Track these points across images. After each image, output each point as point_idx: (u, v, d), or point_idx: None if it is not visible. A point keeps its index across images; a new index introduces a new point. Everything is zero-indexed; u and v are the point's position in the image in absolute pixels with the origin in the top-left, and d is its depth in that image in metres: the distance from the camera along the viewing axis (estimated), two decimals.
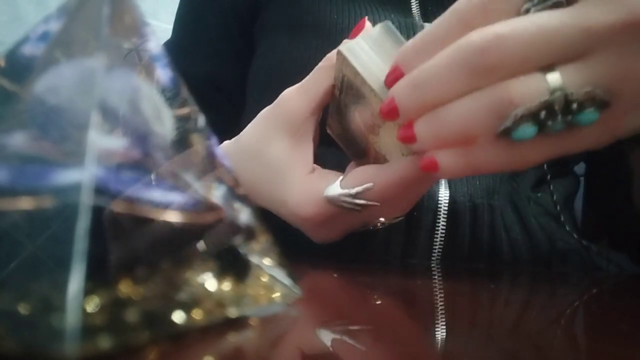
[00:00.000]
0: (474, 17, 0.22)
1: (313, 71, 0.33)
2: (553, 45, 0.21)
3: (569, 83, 0.21)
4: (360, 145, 0.33)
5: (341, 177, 0.31)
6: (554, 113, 0.21)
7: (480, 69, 0.21)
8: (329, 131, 0.35)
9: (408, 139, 0.24)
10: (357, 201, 0.30)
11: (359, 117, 0.31)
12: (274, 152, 0.33)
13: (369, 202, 0.30)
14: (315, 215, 0.32)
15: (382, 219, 0.34)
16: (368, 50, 0.28)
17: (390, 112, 0.24)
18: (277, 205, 0.34)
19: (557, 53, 0.21)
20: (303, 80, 0.33)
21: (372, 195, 0.30)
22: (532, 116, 0.21)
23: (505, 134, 0.22)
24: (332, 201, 0.30)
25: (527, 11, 0.21)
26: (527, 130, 0.21)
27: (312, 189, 0.32)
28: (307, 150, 0.33)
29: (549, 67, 0.21)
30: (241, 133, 0.36)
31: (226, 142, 0.37)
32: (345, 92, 0.31)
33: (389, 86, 0.25)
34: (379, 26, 0.28)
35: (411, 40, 0.24)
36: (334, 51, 0.31)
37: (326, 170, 0.33)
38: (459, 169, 0.24)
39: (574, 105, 0.21)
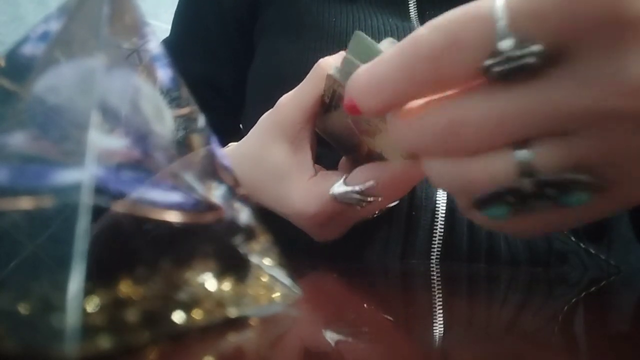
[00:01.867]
0: (427, 63, 0.18)
1: (306, 78, 0.33)
2: (521, 125, 0.17)
3: (541, 164, 0.17)
4: (350, 142, 0.34)
5: (345, 176, 0.32)
6: (523, 198, 0.18)
7: (449, 149, 0.19)
8: (316, 129, 0.36)
9: None
10: (362, 197, 0.31)
11: (351, 122, 0.32)
12: (276, 159, 0.34)
13: (373, 197, 0.31)
14: (320, 213, 0.33)
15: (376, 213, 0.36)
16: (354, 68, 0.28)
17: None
18: (282, 207, 0.34)
19: (527, 132, 0.17)
20: (296, 88, 0.34)
21: (375, 191, 0.31)
22: (496, 199, 0.18)
23: (479, 209, 0.19)
24: (338, 198, 0.32)
25: (487, 69, 0.17)
26: (498, 210, 0.19)
27: (316, 189, 0.33)
28: (306, 157, 0.34)
29: (523, 143, 0.17)
30: (243, 139, 0.37)
31: (228, 147, 0.38)
32: (336, 102, 0.31)
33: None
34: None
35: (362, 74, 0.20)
36: (327, 59, 0.32)
37: (327, 172, 0.34)
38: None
39: (549, 191, 0.17)
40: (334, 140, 0.36)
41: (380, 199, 0.31)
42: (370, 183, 0.31)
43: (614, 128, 0.17)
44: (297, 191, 0.33)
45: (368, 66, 0.20)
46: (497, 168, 0.18)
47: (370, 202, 0.32)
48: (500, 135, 0.18)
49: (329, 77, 0.29)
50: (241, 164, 0.35)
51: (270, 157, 0.34)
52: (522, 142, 0.17)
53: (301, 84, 0.34)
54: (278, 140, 0.34)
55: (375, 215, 0.37)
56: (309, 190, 0.33)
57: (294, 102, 0.34)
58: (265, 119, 0.35)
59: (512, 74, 0.17)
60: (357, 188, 0.31)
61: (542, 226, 0.20)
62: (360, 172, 0.32)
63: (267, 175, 0.34)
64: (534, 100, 0.17)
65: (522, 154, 0.17)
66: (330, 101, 0.32)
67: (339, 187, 0.32)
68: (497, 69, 0.17)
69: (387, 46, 0.28)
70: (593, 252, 0.44)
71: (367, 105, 0.20)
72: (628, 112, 0.16)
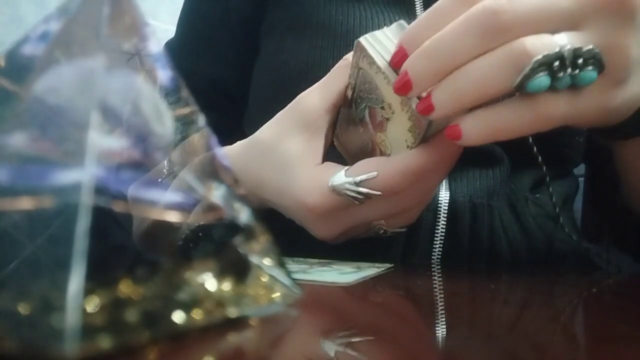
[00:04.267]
0: None
1: (331, 71, 0.34)
2: (555, 12, 0.24)
3: (576, 43, 0.23)
4: (365, 150, 0.34)
5: (347, 168, 0.31)
6: (564, 64, 0.23)
7: (494, 30, 0.24)
8: (335, 143, 0.37)
9: (426, 109, 0.26)
10: (360, 189, 0.30)
11: (368, 117, 0.32)
12: (287, 146, 0.34)
13: (371, 191, 0.30)
14: (320, 205, 0.32)
15: (384, 228, 0.35)
16: (385, 41, 0.29)
17: (404, 86, 0.26)
18: (284, 197, 0.34)
19: (558, 19, 0.24)
20: (321, 80, 0.34)
21: (375, 184, 0.30)
22: (547, 66, 0.23)
23: (521, 87, 0.24)
24: (336, 190, 0.31)
25: None
26: (542, 80, 0.23)
27: (318, 178, 0.32)
28: (319, 145, 0.34)
29: (554, 31, 0.24)
30: (258, 131, 0.37)
31: (239, 142, 0.38)
32: (358, 88, 0.32)
33: (394, 66, 0.27)
34: (395, 23, 0.30)
35: (415, 22, 0.26)
36: (350, 54, 0.32)
37: (333, 163, 0.34)
38: (481, 133, 0.26)
39: (580, 60, 0.24)
40: (349, 152, 0.37)
41: (378, 193, 0.31)
42: (372, 174, 0.30)
43: (609, 17, 0.24)
44: (300, 180, 0.33)
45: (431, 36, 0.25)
46: (545, 41, 0.23)
47: (367, 195, 0.31)
48: (540, 20, 0.24)
49: (357, 44, 0.29)
50: (252, 155, 0.35)
51: (282, 144, 0.34)
52: (554, 31, 0.24)
53: (326, 76, 0.34)
54: (293, 129, 0.34)
55: (386, 234, 0.36)
56: (311, 179, 0.32)
57: (316, 91, 0.34)
58: (285, 109, 0.35)
59: None
60: (356, 179, 0.30)
61: (563, 110, 0.25)
62: (361, 164, 0.31)
63: (275, 163, 0.34)
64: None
65: (559, 35, 0.24)
66: (353, 92, 0.32)
67: (338, 178, 0.31)
68: None
69: (396, 29, 0.29)
70: (594, 251, 0.44)
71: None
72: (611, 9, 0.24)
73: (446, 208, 0.41)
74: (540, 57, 0.23)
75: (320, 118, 0.33)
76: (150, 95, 0.15)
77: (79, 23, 0.15)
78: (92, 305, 0.12)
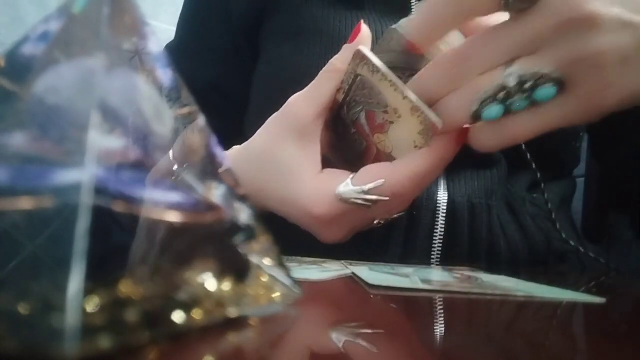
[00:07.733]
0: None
1: (318, 77, 0.34)
2: (508, 49, 0.27)
3: (522, 70, 0.26)
4: (357, 149, 0.34)
5: (352, 176, 0.32)
6: (509, 93, 0.26)
7: (459, 73, 0.28)
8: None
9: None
10: (369, 197, 0.31)
11: (364, 119, 0.32)
12: (284, 155, 0.34)
13: (380, 197, 0.31)
14: (327, 213, 0.32)
15: (383, 220, 0.35)
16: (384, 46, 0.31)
17: None
18: (288, 206, 0.34)
19: (512, 53, 0.27)
20: (309, 86, 0.34)
21: (383, 191, 0.31)
22: (492, 97, 0.27)
23: (478, 117, 0.27)
24: (344, 199, 0.31)
25: (507, 3, 0.26)
26: (492, 109, 0.27)
27: (323, 187, 0.32)
28: (315, 152, 0.34)
29: (511, 62, 0.27)
30: (251, 139, 0.37)
31: (235, 148, 0.38)
32: (354, 93, 0.32)
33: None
34: (387, 31, 0.31)
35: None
36: (337, 56, 0.33)
37: (335, 170, 0.34)
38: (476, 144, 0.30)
39: (527, 85, 0.26)
40: (335, 151, 0.37)
41: (387, 198, 0.31)
42: (380, 182, 0.31)
43: (567, 36, 0.25)
44: (304, 189, 0.33)
45: (420, 9, 0.28)
46: (492, 76, 0.27)
47: (376, 201, 0.31)
48: (493, 59, 0.27)
49: (357, 53, 0.30)
50: (248, 163, 0.35)
51: (278, 152, 0.34)
52: (511, 61, 0.27)
53: (313, 81, 0.34)
54: (287, 137, 0.34)
55: (381, 224, 0.36)
56: (315, 189, 0.33)
57: (305, 96, 0.34)
58: (275, 116, 0.35)
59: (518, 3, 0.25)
60: (365, 188, 0.31)
61: (524, 129, 0.27)
62: (367, 171, 0.32)
63: (274, 172, 0.34)
64: (522, 30, 0.26)
65: (510, 67, 0.26)
66: (345, 96, 0.32)
67: (345, 187, 0.31)
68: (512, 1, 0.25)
69: (388, 35, 0.30)
70: (592, 255, 0.44)
71: (420, 36, 0.29)
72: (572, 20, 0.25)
73: (445, 208, 0.41)
74: (482, 93, 0.27)
75: (312, 124, 0.33)
76: (150, 94, 0.15)
77: (79, 23, 0.15)
78: (92, 305, 0.12)
